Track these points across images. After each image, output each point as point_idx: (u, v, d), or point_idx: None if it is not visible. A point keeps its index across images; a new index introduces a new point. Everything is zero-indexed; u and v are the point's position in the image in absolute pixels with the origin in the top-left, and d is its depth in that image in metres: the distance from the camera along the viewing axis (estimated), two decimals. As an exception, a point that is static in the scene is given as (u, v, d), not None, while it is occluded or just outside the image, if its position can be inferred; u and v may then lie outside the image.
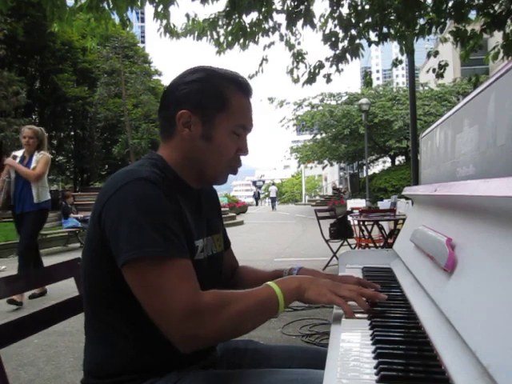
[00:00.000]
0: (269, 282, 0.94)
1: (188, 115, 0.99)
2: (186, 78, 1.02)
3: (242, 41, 4.80)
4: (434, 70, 5.74)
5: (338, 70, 5.15)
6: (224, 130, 1.00)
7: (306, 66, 5.25)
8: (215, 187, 1.22)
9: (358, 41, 4.91)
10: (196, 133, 1.00)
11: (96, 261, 0.94)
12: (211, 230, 1.10)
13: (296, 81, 5.31)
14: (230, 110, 1.00)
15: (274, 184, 38.46)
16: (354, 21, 4.74)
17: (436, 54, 5.76)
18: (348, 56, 4.92)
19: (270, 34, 4.87)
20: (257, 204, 34.82)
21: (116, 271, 0.87)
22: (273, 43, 5.02)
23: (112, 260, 0.88)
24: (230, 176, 1.09)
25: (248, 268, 1.27)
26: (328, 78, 5.31)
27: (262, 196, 45.53)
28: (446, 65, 5.69)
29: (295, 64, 5.29)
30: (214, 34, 4.84)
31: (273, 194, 30.31)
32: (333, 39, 4.86)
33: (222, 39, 4.88)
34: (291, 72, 5.33)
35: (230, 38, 4.81)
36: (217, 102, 0.99)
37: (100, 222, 0.89)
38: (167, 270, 0.84)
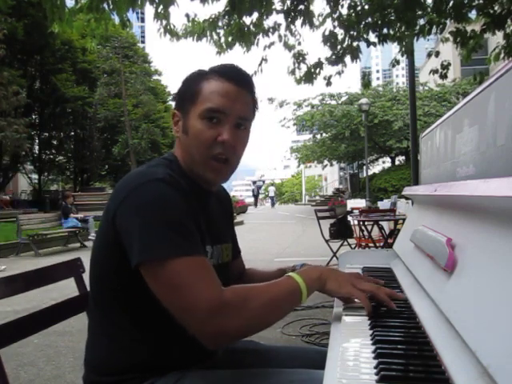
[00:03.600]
0: (290, 273, 0.93)
1: (175, 114, 1.03)
2: None
3: (243, 42, 4.78)
4: (436, 72, 5.72)
5: (338, 73, 5.15)
6: (194, 118, 0.97)
7: (307, 67, 5.24)
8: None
9: (356, 42, 4.90)
10: (180, 129, 1.02)
11: (107, 260, 0.94)
12: (220, 239, 1.08)
13: (299, 82, 5.30)
14: (201, 97, 0.97)
15: (273, 184, 41.27)
16: (353, 21, 4.73)
17: (437, 54, 5.76)
18: (347, 59, 4.91)
19: (269, 34, 4.86)
20: (255, 205, 32.03)
21: (126, 271, 0.87)
22: (273, 43, 5.01)
23: (123, 260, 0.87)
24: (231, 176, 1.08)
25: (254, 269, 1.28)
26: (328, 81, 5.30)
27: (261, 196, 45.51)
28: (449, 65, 5.67)
29: (296, 65, 5.28)
30: (214, 34, 4.83)
31: (271, 194, 34.40)
32: (332, 40, 4.86)
33: (222, 39, 4.87)
34: (293, 73, 5.32)
35: (230, 39, 4.79)
36: (191, 93, 0.99)
37: (115, 222, 0.88)
38: (188, 268, 0.83)
